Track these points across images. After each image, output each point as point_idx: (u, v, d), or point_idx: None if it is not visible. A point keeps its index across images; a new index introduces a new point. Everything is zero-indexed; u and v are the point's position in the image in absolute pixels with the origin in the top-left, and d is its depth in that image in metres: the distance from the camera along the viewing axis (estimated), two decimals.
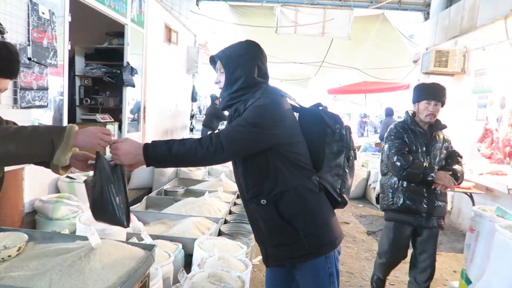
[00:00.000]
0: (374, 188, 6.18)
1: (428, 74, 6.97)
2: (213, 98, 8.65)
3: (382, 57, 9.16)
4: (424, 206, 2.61)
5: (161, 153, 1.35)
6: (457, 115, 6.13)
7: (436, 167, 2.58)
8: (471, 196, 4.37)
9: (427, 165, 2.53)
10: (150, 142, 1.39)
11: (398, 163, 2.55)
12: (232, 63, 1.53)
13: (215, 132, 1.42)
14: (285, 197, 1.45)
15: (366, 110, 15.15)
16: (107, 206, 1.41)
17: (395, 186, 2.68)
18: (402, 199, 2.63)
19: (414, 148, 2.61)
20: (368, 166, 6.86)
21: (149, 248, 1.70)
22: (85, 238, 1.70)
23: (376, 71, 9.51)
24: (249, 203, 1.55)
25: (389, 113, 8.79)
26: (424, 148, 2.62)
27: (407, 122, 2.69)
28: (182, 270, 1.69)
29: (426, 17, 8.09)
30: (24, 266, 1.55)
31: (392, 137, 2.66)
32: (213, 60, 1.63)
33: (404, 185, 2.63)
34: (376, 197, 6.14)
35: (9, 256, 1.62)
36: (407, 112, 2.75)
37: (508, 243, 2.28)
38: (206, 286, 1.62)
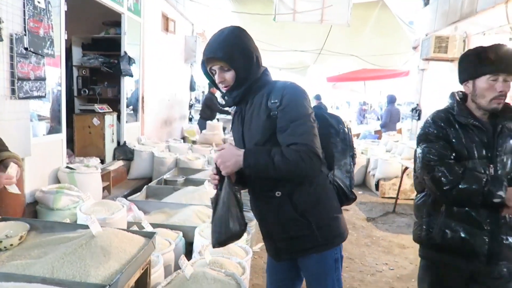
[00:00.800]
0: (374, 175, 6.20)
1: (428, 60, 6.94)
2: (210, 86, 8.61)
3: (381, 44, 9.08)
4: (485, 244, 1.61)
5: (264, 164, 1.32)
6: None
7: (505, 180, 1.56)
8: None
9: (489, 178, 1.55)
10: (248, 149, 1.37)
11: (444, 179, 1.57)
12: (240, 60, 1.42)
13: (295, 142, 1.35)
14: (300, 189, 1.44)
15: (366, 98, 15.09)
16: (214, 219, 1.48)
17: (434, 209, 1.71)
18: (445, 231, 1.66)
19: (467, 152, 1.63)
20: (367, 153, 6.86)
21: (150, 235, 1.72)
22: (86, 227, 1.72)
23: (375, 58, 9.44)
24: (260, 196, 1.50)
25: (392, 100, 8.74)
26: (484, 152, 1.62)
27: (453, 111, 1.72)
28: (183, 256, 1.71)
29: (426, 3, 8.00)
30: (26, 254, 1.57)
31: (429, 136, 1.69)
32: (203, 63, 1.50)
33: (450, 209, 1.66)
34: (375, 184, 6.18)
35: (11, 245, 1.64)
36: (452, 96, 1.78)
37: None
38: (207, 272, 1.64)
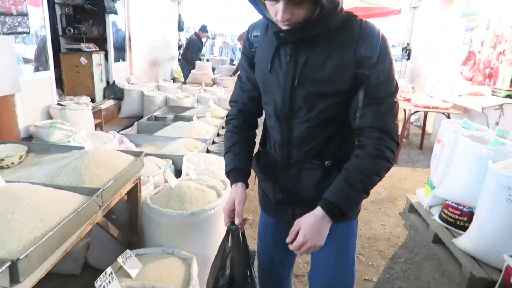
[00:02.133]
0: None
1: None
2: (203, 29, 8.23)
3: None
4: None
5: (355, 200, 1.04)
6: (445, 39, 6.14)
7: None
8: (448, 116, 4.59)
9: None
10: (329, 198, 1.02)
11: None
12: None
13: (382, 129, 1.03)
14: (348, 156, 1.09)
15: None
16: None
17: None
18: None
19: None
20: None
21: (138, 154, 1.89)
22: (80, 148, 1.88)
23: None
24: (297, 165, 1.16)
25: None
26: None
27: None
28: (168, 170, 1.90)
29: None
30: (26, 170, 1.74)
31: None
32: None
33: None
34: None
35: (12, 163, 1.81)
36: None
37: (468, 149, 2.52)
38: (191, 184, 1.83)
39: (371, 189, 1.04)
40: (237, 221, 1.12)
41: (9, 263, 0.95)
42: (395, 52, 10.12)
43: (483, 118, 4.43)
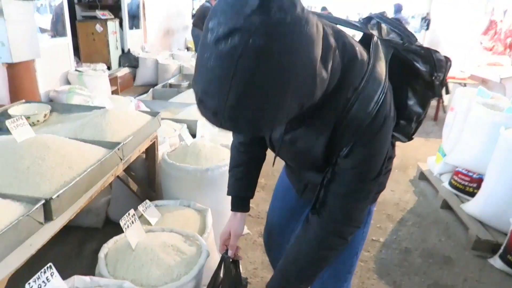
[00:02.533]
0: None
1: None
2: None
3: None
4: None
5: None
6: (465, 8, 5.95)
7: None
8: (465, 86, 4.52)
9: None
10: None
11: None
12: (283, 118, 0.64)
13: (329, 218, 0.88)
14: None
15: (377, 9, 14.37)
16: None
17: None
18: None
19: None
20: None
21: (155, 114, 1.96)
22: (100, 108, 1.97)
23: None
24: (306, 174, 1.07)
25: (399, 9, 8.40)
26: None
27: None
28: (184, 129, 1.98)
29: None
30: (51, 127, 1.84)
31: None
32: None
33: None
34: None
35: (38, 121, 1.91)
36: None
37: (481, 116, 2.52)
38: (206, 143, 1.91)
39: (314, 279, 0.96)
40: (229, 253, 1.13)
41: (43, 201, 1.05)
42: (413, 23, 9.79)
43: (501, 89, 4.36)
